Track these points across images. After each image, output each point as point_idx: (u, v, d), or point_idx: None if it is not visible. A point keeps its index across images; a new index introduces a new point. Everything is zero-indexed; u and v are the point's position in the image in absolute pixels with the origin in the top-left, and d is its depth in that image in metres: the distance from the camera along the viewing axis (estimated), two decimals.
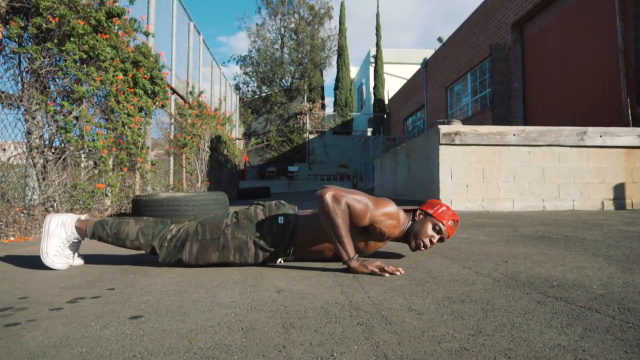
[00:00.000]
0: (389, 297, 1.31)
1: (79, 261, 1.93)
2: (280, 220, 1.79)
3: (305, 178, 19.84)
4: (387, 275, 1.59)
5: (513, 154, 5.02)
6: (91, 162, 4.04)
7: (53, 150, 3.55)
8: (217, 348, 0.92)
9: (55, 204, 3.43)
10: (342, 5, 24.57)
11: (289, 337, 0.98)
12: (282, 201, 1.92)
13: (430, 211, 1.84)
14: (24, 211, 3.24)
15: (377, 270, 1.61)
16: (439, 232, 1.83)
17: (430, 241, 1.81)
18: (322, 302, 1.27)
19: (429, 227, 1.82)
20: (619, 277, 1.54)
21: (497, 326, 1.03)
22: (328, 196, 1.62)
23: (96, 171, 4.04)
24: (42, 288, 1.50)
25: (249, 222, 1.78)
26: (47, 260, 1.78)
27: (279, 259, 1.84)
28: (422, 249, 1.82)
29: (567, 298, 1.27)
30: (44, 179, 3.40)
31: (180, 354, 0.89)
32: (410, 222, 1.86)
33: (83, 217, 1.89)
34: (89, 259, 2.09)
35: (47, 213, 3.44)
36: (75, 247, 1.89)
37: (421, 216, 1.86)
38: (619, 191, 5.08)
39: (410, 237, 1.84)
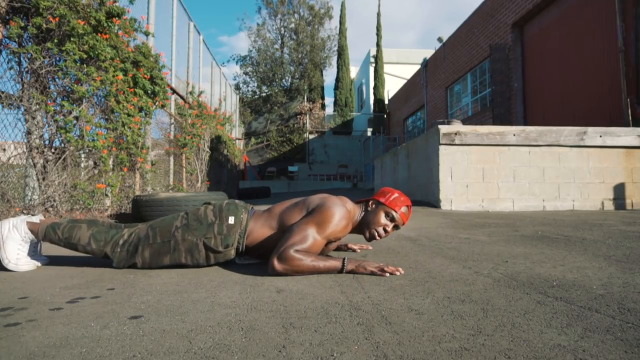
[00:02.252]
0: (389, 297, 1.31)
1: (43, 259, 1.91)
2: (231, 220, 1.75)
3: (305, 178, 19.84)
4: (387, 275, 1.59)
5: (513, 154, 5.02)
6: (91, 162, 4.04)
7: (53, 150, 3.55)
8: (217, 348, 0.92)
9: (55, 204, 3.43)
10: (342, 5, 24.57)
11: (289, 337, 0.98)
12: (236, 200, 1.89)
13: (382, 199, 1.82)
14: (24, 211, 3.24)
15: (377, 270, 1.61)
16: (392, 219, 1.81)
17: (384, 230, 1.80)
18: (322, 302, 1.27)
19: (382, 215, 1.80)
20: (619, 277, 1.54)
21: (497, 326, 1.03)
22: (277, 266, 1.58)
23: (96, 171, 4.04)
24: (42, 288, 1.50)
25: (199, 223, 1.74)
26: (11, 265, 1.76)
27: (235, 259, 1.81)
28: (377, 238, 1.80)
29: (567, 298, 1.27)
30: (44, 179, 3.40)
31: (180, 354, 0.89)
32: (362, 213, 1.85)
33: (35, 218, 1.85)
34: (88, 258, 2.09)
35: (47, 213, 3.44)
36: (34, 247, 1.87)
37: (373, 206, 1.84)
38: (619, 191, 5.08)
39: (364, 227, 1.82)
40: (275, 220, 1.80)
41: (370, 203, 1.86)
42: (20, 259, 1.78)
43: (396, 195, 1.84)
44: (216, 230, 1.73)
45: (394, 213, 1.80)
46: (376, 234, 1.79)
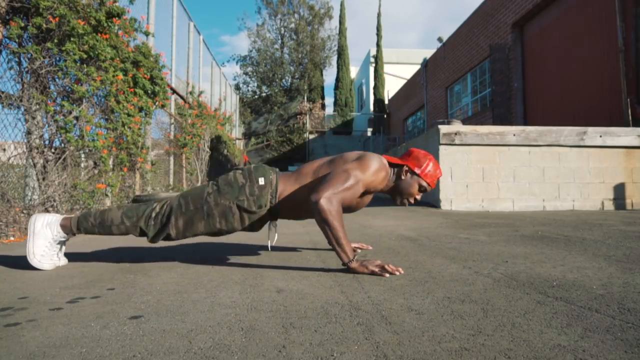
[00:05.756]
0: (389, 297, 1.31)
1: (64, 261, 1.92)
2: (261, 181, 1.77)
3: None
4: (387, 275, 1.59)
5: (513, 154, 5.02)
6: (91, 162, 4.04)
7: (53, 150, 3.55)
8: (217, 348, 0.92)
9: (55, 204, 3.43)
10: (342, 5, 24.57)
11: (289, 337, 0.98)
12: (262, 164, 1.92)
13: (418, 170, 1.84)
14: (24, 211, 3.24)
15: (377, 270, 1.60)
16: (424, 191, 1.87)
17: (415, 199, 1.88)
18: (322, 302, 1.27)
19: (416, 187, 1.85)
20: (619, 277, 1.54)
21: (497, 326, 1.03)
22: (323, 201, 1.59)
23: (96, 171, 4.04)
24: (42, 288, 1.49)
25: (230, 187, 1.76)
26: (34, 261, 1.77)
27: (270, 223, 1.84)
28: (406, 205, 1.89)
29: (567, 298, 1.27)
30: (44, 179, 3.40)
31: (180, 354, 0.89)
32: (394, 177, 1.87)
33: (68, 215, 1.89)
34: (88, 258, 2.09)
35: (46, 212, 3.43)
36: (60, 246, 1.88)
37: (408, 175, 1.85)
38: (619, 191, 5.08)
39: (396, 194, 1.87)
40: (308, 177, 1.80)
41: (405, 171, 1.85)
42: (44, 257, 1.80)
43: (431, 165, 1.86)
44: (248, 192, 1.75)
45: (427, 186, 1.85)
46: (407, 203, 1.88)
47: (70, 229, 1.82)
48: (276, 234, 2.00)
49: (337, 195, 1.62)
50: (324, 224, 1.59)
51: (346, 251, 1.62)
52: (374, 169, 1.74)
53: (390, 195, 1.91)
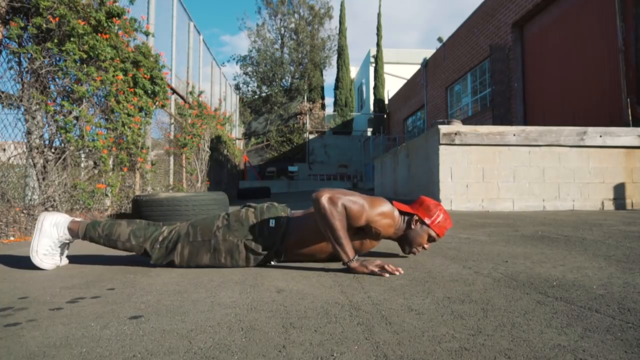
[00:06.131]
0: (389, 297, 1.31)
1: (65, 261, 1.92)
2: (272, 223, 1.77)
3: (305, 178, 19.84)
4: (387, 275, 1.59)
5: (513, 154, 5.02)
6: (91, 162, 4.04)
7: (53, 150, 3.55)
8: (217, 348, 0.92)
9: (55, 204, 3.43)
10: (342, 5, 24.57)
11: (289, 337, 0.98)
12: (275, 203, 1.91)
13: (428, 221, 1.83)
14: (24, 211, 3.24)
15: (377, 270, 1.61)
16: (432, 241, 1.88)
17: (424, 248, 1.89)
18: (322, 302, 1.27)
19: (425, 237, 1.84)
20: (619, 277, 1.54)
21: (497, 326, 1.03)
22: (324, 199, 1.60)
23: (96, 171, 4.04)
24: (42, 288, 1.49)
25: (240, 224, 1.76)
26: (36, 259, 1.77)
27: (272, 261, 1.84)
28: (415, 254, 1.91)
29: (567, 298, 1.27)
30: (44, 179, 3.40)
31: (180, 354, 0.89)
32: (404, 225, 1.85)
33: (78, 218, 1.89)
34: (88, 258, 2.09)
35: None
36: (63, 248, 1.88)
37: (418, 224, 1.84)
38: (619, 191, 5.08)
39: (404, 243, 1.88)
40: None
41: (415, 220, 1.84)
42: (47, 256, 1.80)
43: (441, 217, 1.85)
44: (257, 232, 1.75)
45: (436, 236, 1.85)
46: (415, 252, 1.89)
47: (77, 233, 1.82)
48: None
49: (342, 199, 1.62)
50: (325, 222, 1.60)
51: (346, 251, 1.62)
52: (381, 211, 1.74)
53: (399, 244, 1.91)
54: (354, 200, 1.66)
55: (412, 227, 1.84)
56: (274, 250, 1.77)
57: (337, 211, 1.60)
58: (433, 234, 1.83)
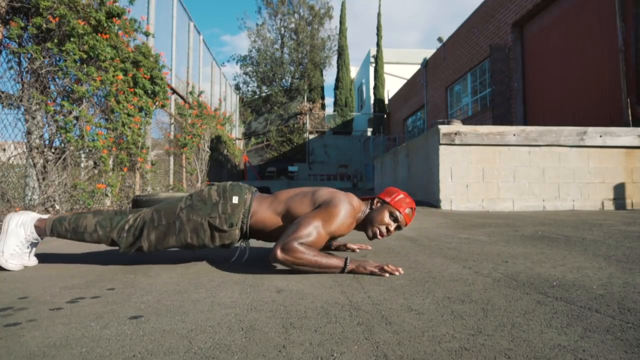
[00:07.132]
0: (389, 297, 1.31)
1: (34, 261, 1.89)
2: (235, 200, 1.76)
3: (305, 178, 19.83)
4: (387, 275, 1.59)
5: (513, 154, 5.02)
6: (91, 162, 4.04)
7: (53, 150, 3.55)
8: (217, 348, 0.92)
9: (55, 204, 3.43)
10: (342, 5, 24.56)
11: (289, 337, 0.98)
12: (240, 183, 1.90)
13: (387, 199, 1.85)
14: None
15: (377, 270, 1.61)
16: (395, 220, 1.83)
17: (387, 229, 1.81)
18: (322, 302, 1.27)
19: (386, 215, 1.82)
20: (619, 277, 1.54)
21: (497, 326, 1.03)
22: (278, 253, 1.57)
23: (96, 171, 4.04)
24: (42, 288, 1.49)
25: (203, 203, 1.76)
26: (1, 260, 1.75)
27: (239, 242, 1.82)
28: (379, 237, 1.81)
29: (567, 298, 1.27)
30: (44, 179, 3.40)
31: (180, 354, 0.89)
32: (368, 210, 1.87)
33: (44, 216, 1.87)
34: (89, 258, 2.09)
35: (47, 213, 3.44)
36: (31, 247, 1.87)
37: (378, 204, 1.86)
38: (619, 191, 5.08)
39: (367, 225, 1.84)
40: (281, 206, 1.80)
41: (375, 201, 1.88)
42: (13, 256, 1.78)
43: (401, 196, 1.86)
44: (220, 210, 1.74)
45: (397, 213, 1.82)
46: (378, 233, 1.81)
47: (44, 230, 1.81)
48: (247, 252, 1.97)
49: (295, 241, 1.59)
50: (300, 268, 1.60)
51: (335, 265, 1.62)
52: (340, 219, 1.71)
53: (364, 229, 1.86)
54: (309, 232, 1.63)
55: (373, 207, 1.87)
56: (238, 227, 1.75)
57: (293, 256, 1.57)
58: (395, 211, 1.82)
